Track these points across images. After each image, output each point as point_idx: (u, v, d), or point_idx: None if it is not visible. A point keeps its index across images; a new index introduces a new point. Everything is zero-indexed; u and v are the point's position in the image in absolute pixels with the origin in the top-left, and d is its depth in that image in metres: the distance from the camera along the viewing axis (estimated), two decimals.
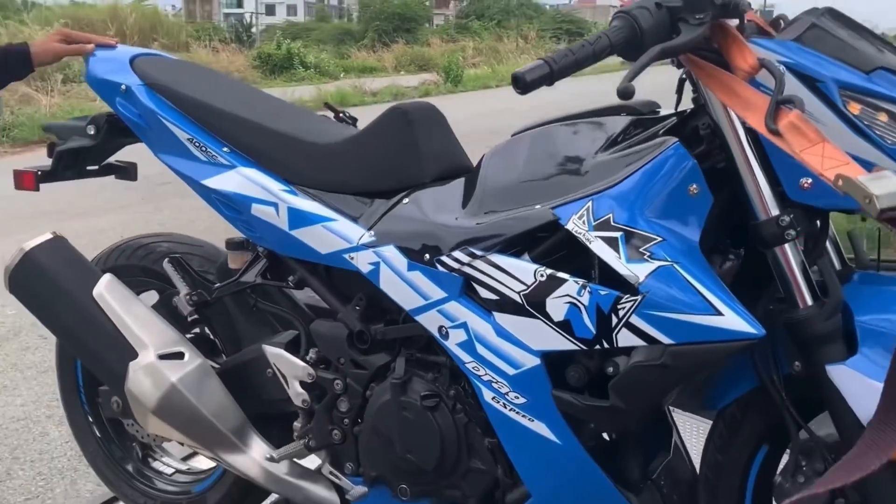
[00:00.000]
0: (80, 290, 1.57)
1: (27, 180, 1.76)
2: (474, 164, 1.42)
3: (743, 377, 1.24)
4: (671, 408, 1.42)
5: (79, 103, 11.95)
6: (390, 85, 16.70)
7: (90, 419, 1.90)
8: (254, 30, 33.73)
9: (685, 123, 1.22)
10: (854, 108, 1.07)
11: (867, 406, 1.06)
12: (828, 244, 1.25)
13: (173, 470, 1.91)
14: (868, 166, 1.01)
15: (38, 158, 2.10)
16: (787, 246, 1.12)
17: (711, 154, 1.19)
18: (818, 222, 1.19)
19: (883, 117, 1.07)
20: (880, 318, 1.10)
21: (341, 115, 1.75)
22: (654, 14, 1.08)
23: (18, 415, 3.00)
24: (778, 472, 1.25)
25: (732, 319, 1.07)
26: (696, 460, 1.36)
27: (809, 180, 1.08)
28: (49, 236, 1.62)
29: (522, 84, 1.04)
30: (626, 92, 1.01)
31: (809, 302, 1.12)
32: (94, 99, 11.87)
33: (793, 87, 1.07)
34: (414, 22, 33.86)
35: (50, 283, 1.58)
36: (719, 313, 1.07)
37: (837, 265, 1.25)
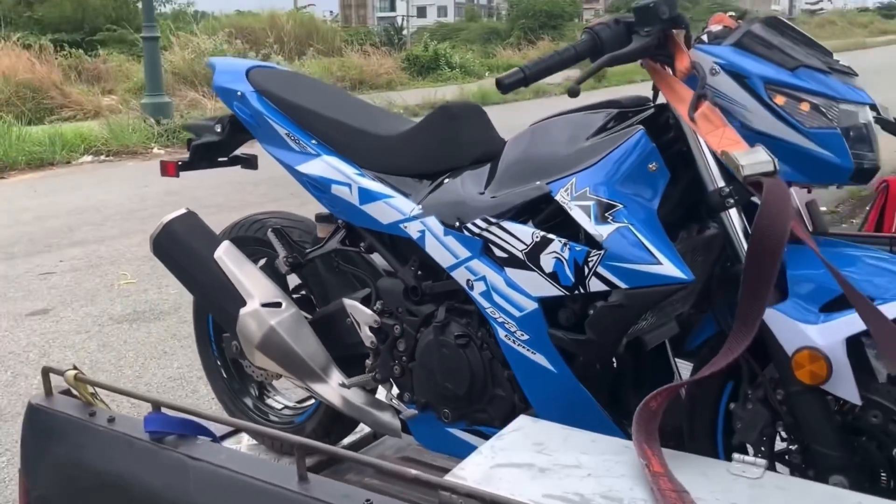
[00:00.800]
0: (204, 252, 2.00)
1: (170, 169, 2.23)
2: None
3: (708, 325, 1.49)
4: (673, 356, 1.67)
5: None
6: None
7: (218, 363, 2.36)
8: (404, 32, 34.83)
9: (660, 115, 1.49)
10: (779, 100, 1.31)
11: (793, 340, 1.31)
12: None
13: (282, 406, 2.33)
14: (775, 145, 1.27)
15: None
16: (730, 212, 1.38)
17: (678, 140, 1.45)
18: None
19: (805, 106, 1.31)
20: (807, 273, 1.34)
21: None
22: (613, 28, 1.36)
23: (175, 375, 3.56)
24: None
25: (669, 268, 1.34)
26: None
27: None
28: (183, 211, 2.07)
29: (502, 87, 1.35)
30: (572, 91, 1.30)
31: None
32: None
33: (725, 83, 1.32)
34: (560, 19, 33.87)
35: (182, 247, 2.03)
36: (659, 263, 1.34)
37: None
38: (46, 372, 1.43)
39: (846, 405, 1.35)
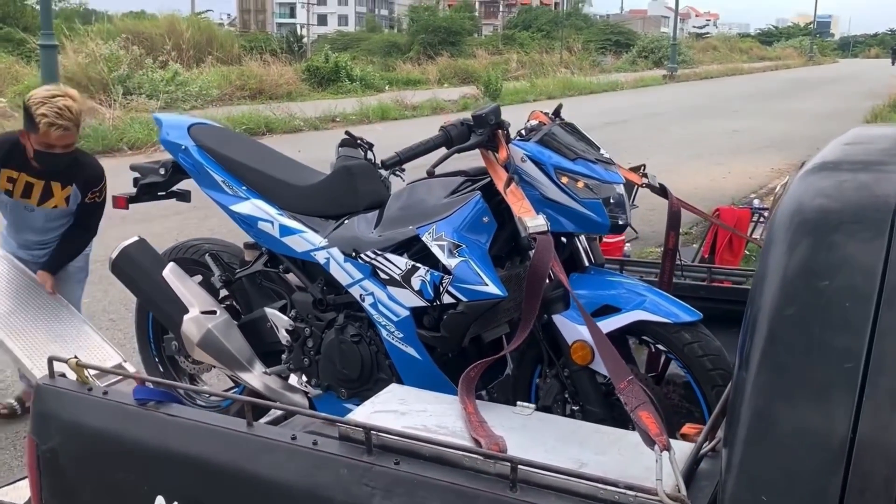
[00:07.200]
0: (154, 272, 2.57)
1: (121, 202, 2.77)
2: None
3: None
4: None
5: (138, 115, 12.82)
6: (431, 98, 17.28)
7: (156, 359, 2.90)
8: (305, 40, 34.93)
9: (493, 183, 2.16)
10: (564, 180, 2.01)
11: (571, 335, 2.00)
12: (581, 251, 2.19)
13: (210, 394, 2.90)
14: (561, 209, 1.96)
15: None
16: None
17: (503, 200, 2.13)
18: (564, 239, 2.13)
19: (581, 184, 2.01)
20: (582, 293, 2.03)
21: (359, 141, 2.55)
22: (459, 128, 2.03)
23: None
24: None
25: (492, 288, 2.01)
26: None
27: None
28: (136, 238, 2.63)
29: (385, 166, 2.01)
30: (430, 172, 1.97)
31: (548, 281, 2.05)
32: (150, 110, 12.84)
33: (530, 167, 2.01)
34: (459, 35, 34.64)
35: (137, 267, 2.58)
36: (486, 284, 2.01)
37: (586, 263, 2.19)
38: (51, 360, 1.97)
39: (606, 379, 2.05)
